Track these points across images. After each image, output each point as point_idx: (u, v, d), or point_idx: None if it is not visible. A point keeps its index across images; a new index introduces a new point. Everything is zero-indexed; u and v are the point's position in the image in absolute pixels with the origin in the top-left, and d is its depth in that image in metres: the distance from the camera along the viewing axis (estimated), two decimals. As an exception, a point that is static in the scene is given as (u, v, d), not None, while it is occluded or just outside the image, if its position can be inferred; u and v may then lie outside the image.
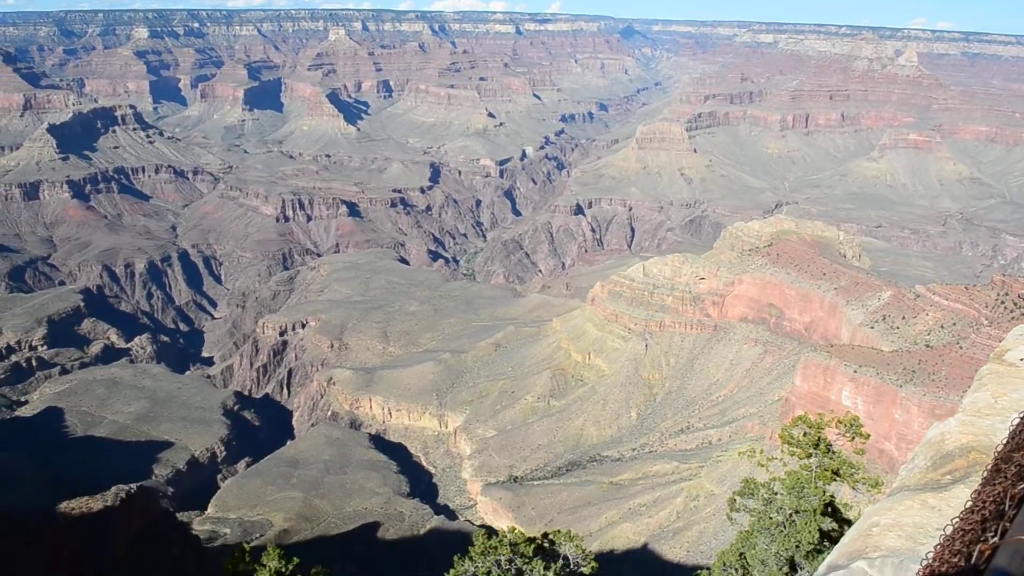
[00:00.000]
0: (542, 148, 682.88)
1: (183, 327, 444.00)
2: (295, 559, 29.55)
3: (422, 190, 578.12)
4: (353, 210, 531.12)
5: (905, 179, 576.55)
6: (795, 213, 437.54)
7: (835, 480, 29.16)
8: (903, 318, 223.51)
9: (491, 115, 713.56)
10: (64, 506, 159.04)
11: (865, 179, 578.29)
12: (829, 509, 28.21)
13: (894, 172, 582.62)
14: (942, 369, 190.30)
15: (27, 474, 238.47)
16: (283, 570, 28.26)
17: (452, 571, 28.86)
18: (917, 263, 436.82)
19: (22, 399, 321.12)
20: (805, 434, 29.45)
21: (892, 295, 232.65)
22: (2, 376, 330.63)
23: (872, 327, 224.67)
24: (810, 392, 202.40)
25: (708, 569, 32.36)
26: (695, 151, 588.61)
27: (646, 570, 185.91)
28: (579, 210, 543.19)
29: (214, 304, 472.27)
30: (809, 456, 29.28)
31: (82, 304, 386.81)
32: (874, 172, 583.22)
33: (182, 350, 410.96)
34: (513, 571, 28.44)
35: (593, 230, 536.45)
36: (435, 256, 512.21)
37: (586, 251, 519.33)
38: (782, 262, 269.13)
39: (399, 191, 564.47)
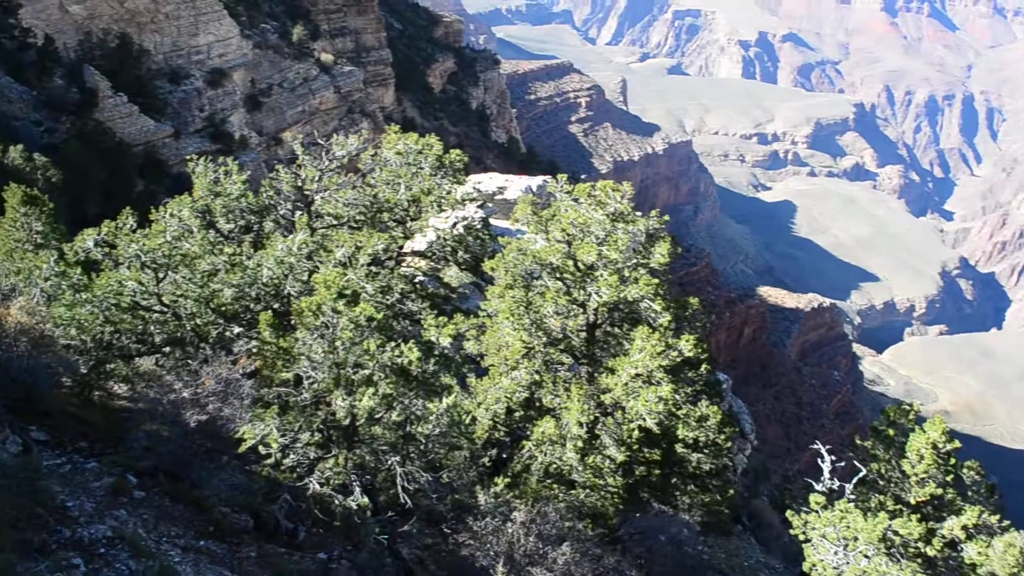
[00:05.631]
0: None
1: (937, 171, 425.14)
2: (956, 442, 27.52)
3: None
4: None
5: None
6: None
7: None
8: None
9: None
10: (763, 290, 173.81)
11: None
12: None
13: None
14: None
15: (751, 247, 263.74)
16: (939, 443, 26.60)
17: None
18: None
19: (768, 184, 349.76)
20: None
21: None
22: (760, 158, 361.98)
23: None
24: None
25: None
26: None
27: None
28: None
29: (978, 159, 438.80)
30: None
31: (852, 116, 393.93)
32: None
33: (926, 194, 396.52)
34: None
35: None
36: None
37: None
38: None
39: None
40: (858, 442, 29.37)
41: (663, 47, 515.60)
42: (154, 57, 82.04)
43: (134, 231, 17.20)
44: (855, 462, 30.83)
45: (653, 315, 18.44)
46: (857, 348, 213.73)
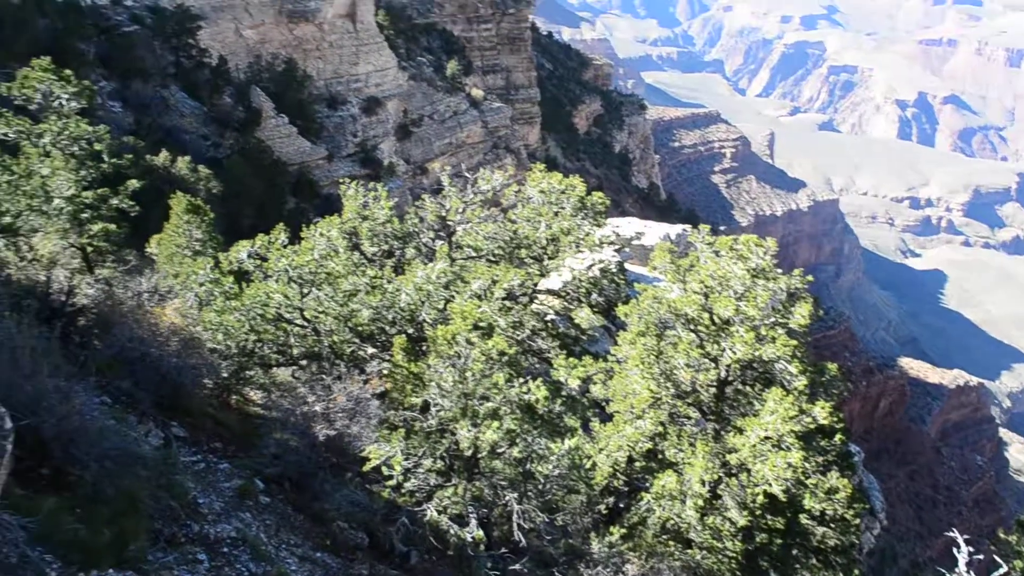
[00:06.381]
0: None
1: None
2: None
3: None
4: None
5: None
6: None
7: None
8: None
9: None
10: (905, 361, 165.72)
11: None
12: None
13: None
14: None
15: (895, 315, 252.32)
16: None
17: None
18: None
19: (917, 251, 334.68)
20: None
21: None
22: (911, 223, 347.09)
23: None
24: None
25: None
26: None
27: None
28: None
29: None
30: None
31: (1014, 186, 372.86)
32: None
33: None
34: None
35: None
36: None
37: None
38: None
39: None
40: (1000, 535, 27.35)
41: (815, 102, 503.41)
42: (316, 82, 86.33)
43: (285, 246, 17.99)
44: (995, 556, 28.75)
45: (788, 377, 17.80)
46: (1004, 433, 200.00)
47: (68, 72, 20.82)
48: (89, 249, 20.93)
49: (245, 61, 79.66)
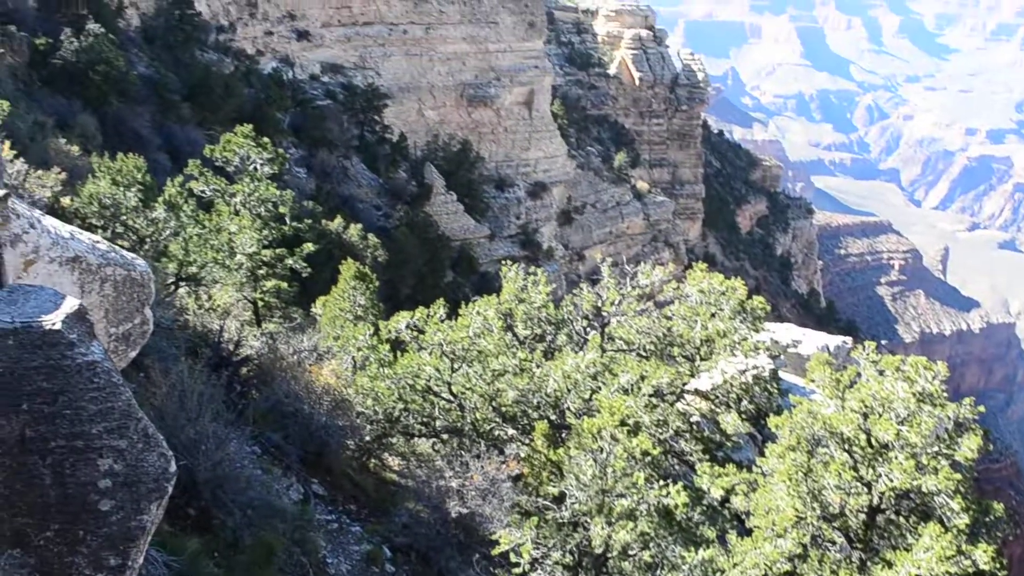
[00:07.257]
0: None
1: None
2: None
3: None
4: None
5: None
6: None
7: None
8: None
9: None
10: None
11: None
12: None
13: None
14: None
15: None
16: None
17: None
18: None
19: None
20: None
21: None
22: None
23: None
24: None
25: None
26: None
27: None
28: None
29: None
30: None
31: None
32: None
33: None
34: None
35: None
36: None
37: None
38: None
39: None
40: None
41: (997, 219, 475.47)
42: (487, 164, 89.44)
43: (442, 321, 18.45)
44: None
45: (948, 513, 16.45)
46: None
47: (266, 140, 22.49)
48: (260, 303, 22.22)
49: (423, 139, 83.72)
